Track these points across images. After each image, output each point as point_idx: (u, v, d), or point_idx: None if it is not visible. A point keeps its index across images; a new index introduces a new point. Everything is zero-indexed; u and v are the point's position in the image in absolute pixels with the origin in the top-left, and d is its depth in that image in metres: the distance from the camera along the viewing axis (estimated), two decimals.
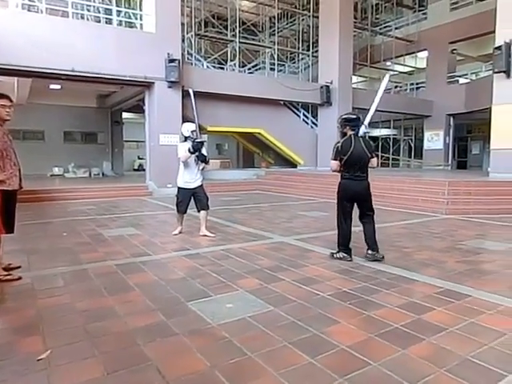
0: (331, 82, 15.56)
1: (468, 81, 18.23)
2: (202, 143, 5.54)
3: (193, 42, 16.58)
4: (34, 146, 16.58)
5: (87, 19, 12.21)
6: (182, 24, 13.83)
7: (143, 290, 3.41)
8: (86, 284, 3.60)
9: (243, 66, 17.57)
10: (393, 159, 20.33)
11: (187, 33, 16.38)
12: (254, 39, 19.45)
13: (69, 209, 8.86)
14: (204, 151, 5.62)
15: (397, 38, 19.36)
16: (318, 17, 16.93)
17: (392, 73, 4.93)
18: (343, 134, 4.41)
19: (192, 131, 5.58)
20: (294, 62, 19.15)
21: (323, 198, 10.35)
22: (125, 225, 6.74)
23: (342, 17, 15.39)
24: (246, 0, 18.58)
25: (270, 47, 17.99)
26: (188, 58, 15.35)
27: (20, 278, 3.68)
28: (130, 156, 24.45)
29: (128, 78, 11.14)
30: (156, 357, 2.28)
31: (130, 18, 12.46)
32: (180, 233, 5.88)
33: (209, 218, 6.11)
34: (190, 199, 5.73)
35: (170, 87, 11.72)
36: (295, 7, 19.90)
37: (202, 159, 5.62)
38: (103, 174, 17.74)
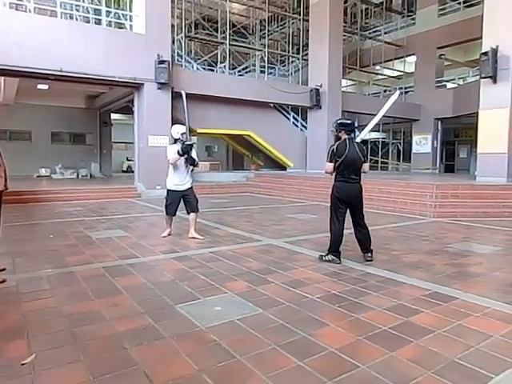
0: (321, 85, 15.64)
1: (455, 86, 18.46)
2: (191, 146, 5.51)
3: (183, 44, 16.54)
4: (21, 147, 16.33)
5: (76, 19, 12.09)
6: (172, 26, 13.80)
7: (131, 292, 3.38)
8: (72, 287, 3.54)
9: (233, 69, 17.59)
10: (382, 162, 20.54)
11: (177, 34, 16.32)
12: (244, 42, 19.51)
13: (56, 210, 8.74)
14: (194, 154, 5.59)
15: (386, 42, 19.56)
16: (308, 20, 17.00)
17: (398, 92, 4.99)
18: (337, 138, 4.45)
19: (182, 133, 5.55)
20: (284, 65, 19.19)
21: (313, 201, 10.39)
22: (113, 227, 6.67)
23: (331, 21, 15.47)
24: (237, 3, 18.60)
25: (261, 50, 18.03)
26: (178, 60, 15.30)
27: (4, 281, 3.61)
28: (119, 157, 24.25)
29: (117, 79, 11.06)
30: (143, 361, 2.25)
31: (119, 18, 12.38)
32: (169, 235, 5.85)
33: (198, 220, 6.08)
34: (179, 201, 5.71)
35: (159, 89, 11.67)
36: (285, 10, 20.02)
37: (191, 162, 5.59)
38: (91, 176, 17.55)
